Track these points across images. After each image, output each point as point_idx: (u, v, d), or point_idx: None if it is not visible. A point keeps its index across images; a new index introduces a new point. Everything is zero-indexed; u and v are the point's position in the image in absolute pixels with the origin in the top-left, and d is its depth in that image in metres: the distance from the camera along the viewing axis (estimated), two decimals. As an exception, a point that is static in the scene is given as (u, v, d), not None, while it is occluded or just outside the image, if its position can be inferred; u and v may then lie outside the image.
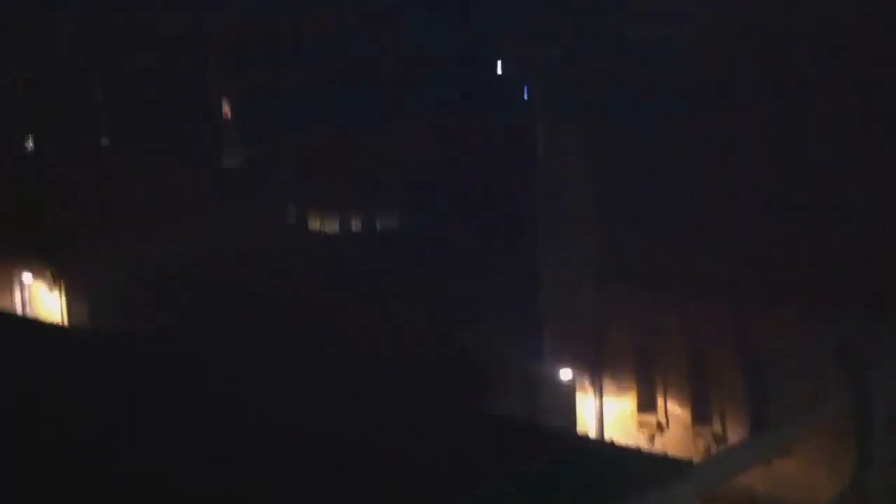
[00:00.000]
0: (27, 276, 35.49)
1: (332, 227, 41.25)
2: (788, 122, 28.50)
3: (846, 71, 27.49)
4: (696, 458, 23.19)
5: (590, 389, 30.26)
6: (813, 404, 24.45)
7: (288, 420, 17.12)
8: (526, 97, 44.18)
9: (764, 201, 28.51)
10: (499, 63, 47.60)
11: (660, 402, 28.89)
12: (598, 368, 30.20)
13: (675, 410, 28.58)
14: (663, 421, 28.60)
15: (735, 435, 26.75)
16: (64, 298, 33.98)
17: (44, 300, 34.88)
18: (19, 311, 35.57)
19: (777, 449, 22.88)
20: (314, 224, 41.25)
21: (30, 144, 40.41)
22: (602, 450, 20.50)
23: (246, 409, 16.88)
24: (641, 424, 28.95)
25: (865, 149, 27.14)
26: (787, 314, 26.95)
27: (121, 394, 16.56)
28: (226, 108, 45.50)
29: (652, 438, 28.47)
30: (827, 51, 27.73)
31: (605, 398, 30.00)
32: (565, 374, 30.60)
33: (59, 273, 34.26)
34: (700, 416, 27.95)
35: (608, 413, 29.89)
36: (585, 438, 25.75)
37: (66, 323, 33.39)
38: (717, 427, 27.42)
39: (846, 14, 27.62)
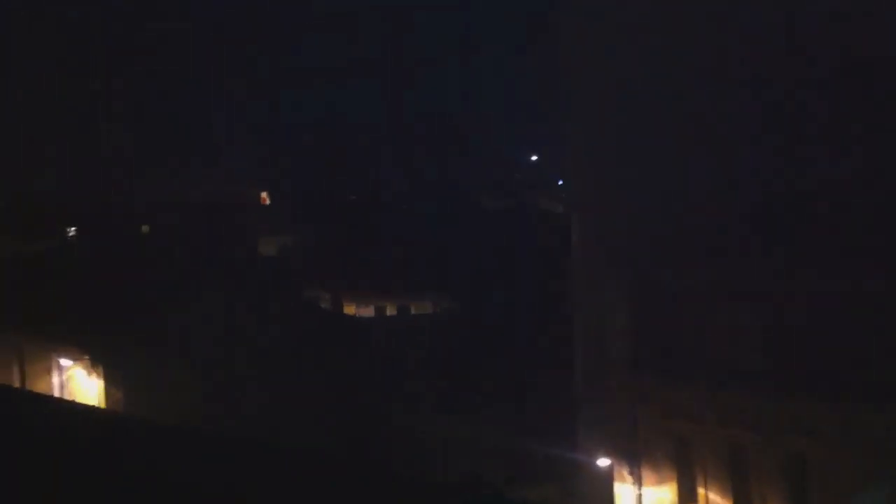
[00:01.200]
0: (65, 361, 35.72)
1: (367, 311, 41.47)
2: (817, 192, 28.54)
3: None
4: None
5: (628, 478, 29.94)
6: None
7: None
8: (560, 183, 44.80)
9: (796, 291, 28.41)
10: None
11: (700, 492, 28.54)
12: (636, 457, 29.92)
13: (716, 500, 28.22)
14: (705, 511, 28.22)
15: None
16: (102, 382, 34.14)
17: (82, 384, 35.05)
18: (56, 393, 35.69)
19: None
20: (349, 309, 41.48)
21: (71, 231, 41.06)
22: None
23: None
24: (682, 514, 28.58)
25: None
26: (826, 403, 26.78)
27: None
28: (263, 195, 46.18)
29: (693, 529, 28.09)
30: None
31: (644, 487, 29.66)
32: (603, 462, 30.36)
33: (98, 357, 34.46)
34: (742, 505, 27.59)
35: (647, 502, 29.53)
36: None
37: (102, 406, 33.49)
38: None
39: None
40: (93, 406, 32.00)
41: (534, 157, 47.13)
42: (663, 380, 29.70)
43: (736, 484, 28.28)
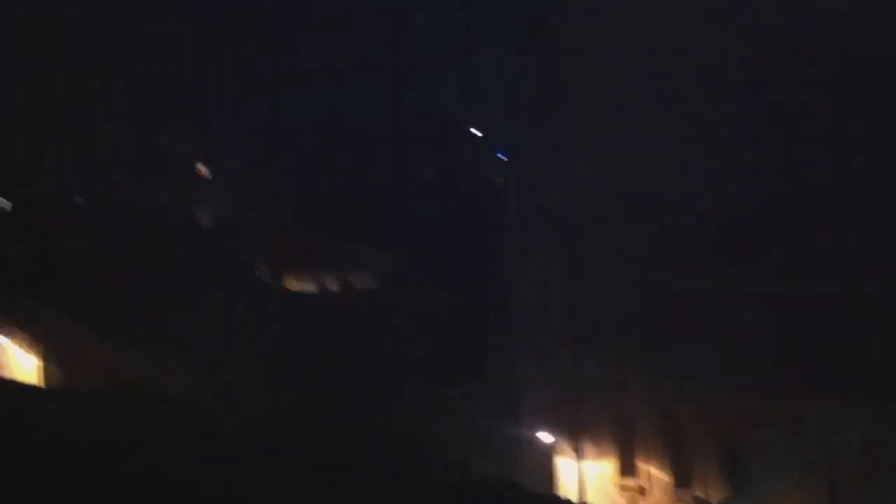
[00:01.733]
0: (2, 338, 35.10)
1: (309, 287, 41.22)
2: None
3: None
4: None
5: (570, 452, 30.29)
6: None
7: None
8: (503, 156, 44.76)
9: (743, 269, 28.80)
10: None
11: (641, 465, 28.97)
12: (578, 431, 30.26)
13: (656, 474, 28.66)
14: (645, 485, 28.65)
15: (717, 499, 26.89)
16: (40, 361, 33.63)
17: (20, 362, 34.49)
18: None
19: None
20: (290, 284, 41.20)
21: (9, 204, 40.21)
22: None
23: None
24: (622, 488, 28.98)
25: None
26: (767, 384, 27.25)
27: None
28: (201, 167, 45.58)
29: (633, 502, 28.51)
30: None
31: (585, 461, 30.02)
32: (545, 436, 30.64)
33: (36, 335, 33.91)
34: (682, 481, 28.03)
35: (588, 476, 29.90)
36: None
37: (40, 384, 33.03)
38: (698, 491, 27.51)
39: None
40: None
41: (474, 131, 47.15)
42: (609, 355, 29.99)
43: (675, 459, 28.71)
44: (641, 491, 28.65)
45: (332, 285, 41.28)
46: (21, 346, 34.38)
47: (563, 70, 32.07)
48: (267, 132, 46.71)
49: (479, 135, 46.08)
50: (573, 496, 29.55)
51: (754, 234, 28.94)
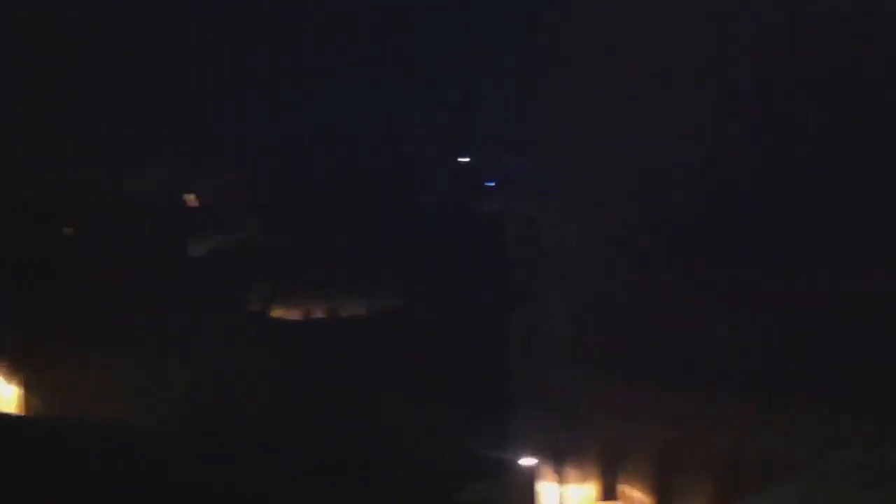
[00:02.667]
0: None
1: (295, 314, 41.18)
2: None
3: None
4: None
5: (552, 476, 29.97)
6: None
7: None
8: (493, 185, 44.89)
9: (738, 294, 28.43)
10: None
11: (622, 489, 28.63)
12: (561, 455, 29.96)
13: (637, 497, 28.32)
14: (625, 508, 28.33)
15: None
16: (21, 390, 33.64)
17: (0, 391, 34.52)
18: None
19: None
20: (277, 312, 41.17)
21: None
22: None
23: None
24: (603, 512, 28.68)
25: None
26: (755, 405, 26.96)
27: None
28: (192, 197, 45.67)
29: (613, 526, 28.19)
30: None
31: (566, 485, 29.69)
32: (527, 461, 30.37)
33: (17, 365, 33.97)
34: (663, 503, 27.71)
35: (569, 500, 29.57)
36: None
37: (21, 413, 33.01)
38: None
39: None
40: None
41: (465, 160, 47.18)
42: (596, 379, 29.72)
43: (659, 481, 28.37)
44: (621, 514, 28.33)
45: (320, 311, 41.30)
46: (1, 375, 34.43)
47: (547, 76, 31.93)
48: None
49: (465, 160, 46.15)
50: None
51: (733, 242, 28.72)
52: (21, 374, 33.78)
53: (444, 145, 47.58)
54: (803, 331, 26.96)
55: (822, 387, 25.91)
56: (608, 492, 29.04)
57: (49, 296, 35.45)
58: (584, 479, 29.50)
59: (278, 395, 35.39)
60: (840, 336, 26.44)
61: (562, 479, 29.80)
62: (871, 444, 24.70)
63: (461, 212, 45.35)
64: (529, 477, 30.14)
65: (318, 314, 41.03)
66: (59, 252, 38.64)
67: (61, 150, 40.76)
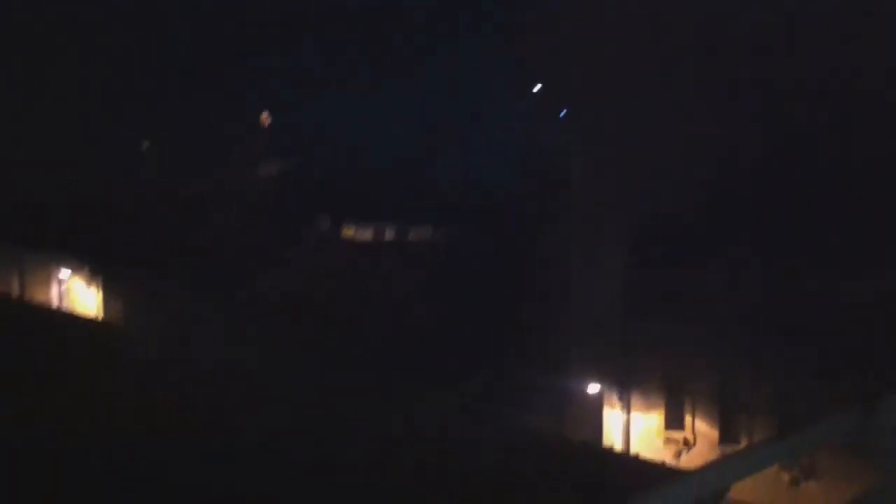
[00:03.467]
0: (65, 272, 36.05)
1: (365, 236, 41.58)
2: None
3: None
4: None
5: (617, 404, 30.36)
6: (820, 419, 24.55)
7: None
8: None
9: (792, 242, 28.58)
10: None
11: (687, 419, 28.98)
12: (626, 384, 30.32)
13: (702, 428, 28.68)
14: (690, 438, 28.66)
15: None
16: (101, 295, 34.48)
17: (80, 295, 35.41)
18: (55, 305, 36.08)
19: (777, 458, 22.92)
20: (347, 232, 41.60)
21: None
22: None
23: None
24: (668, 441, 29.02)
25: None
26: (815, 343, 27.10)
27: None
28: (264, 116, 46.00)
29: (678, 455, 28.55)
30: None
31: (632, 413, 30.08)
32: (593, 388, 30.75)
33: (98, 270, 34.76)
34: (727, 435, 28.02)
35: (635, 428, 29.97)
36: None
37: (101, 318, 33.88)
38: (743, 446, 27.44)
39: None
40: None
41: (537, 87, 46.71)
42: (660, 311, 29.98)
43: (723, 415, 28.69)
44: (686, 444, 28.66)
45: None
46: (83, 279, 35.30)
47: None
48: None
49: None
50: (620, 447, 29.66)
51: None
52: (101, 278, 34.62)
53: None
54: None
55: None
56: (673, 421, 29.38)
57: (130, 206, 36.17)
58: (649, 409, 29.87)
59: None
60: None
61: (627, 408, 30.19)
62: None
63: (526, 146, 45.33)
64: (597, 404, 30.52)
65: (388, 236, 41.46)
66: (136, 165, 39.36)
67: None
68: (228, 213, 38.58)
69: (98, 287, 34.68)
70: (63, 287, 35.94)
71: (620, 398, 30.21)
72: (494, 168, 45.07)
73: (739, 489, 23.46)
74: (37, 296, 35.62)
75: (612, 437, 30.15)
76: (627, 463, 21.18)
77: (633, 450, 29.30)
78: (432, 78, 49.69)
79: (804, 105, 28.92)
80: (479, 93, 49.78)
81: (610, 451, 27.45)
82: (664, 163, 31.01)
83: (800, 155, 29.21)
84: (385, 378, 32.61)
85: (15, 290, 35.46)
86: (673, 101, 30.58)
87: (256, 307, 34.35)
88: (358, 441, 16.83)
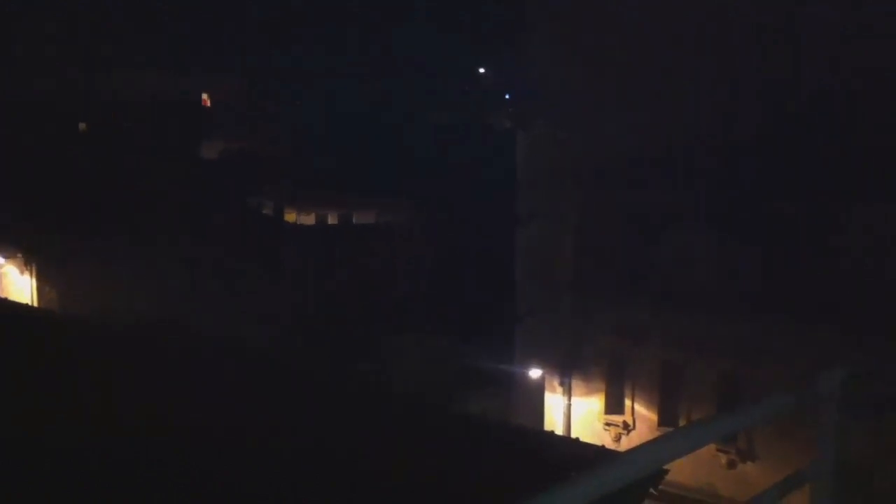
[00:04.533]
0: (-1, 258, 35.35)
1: (308, 220, 41.23)
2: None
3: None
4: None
5: (558, 389, 30.33)
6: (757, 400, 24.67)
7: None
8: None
9: (745, 209, 28.61)
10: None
11: (627, 403, 28.99)
12: (567, 369, 30.29)
13: (642, 412, 28.70)
14: (630, 421, 28.70)
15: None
16: (34, 281, 33.81)
17: (14, 282, 34.71)
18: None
19: (711, 437, 22.96)
20: (290, 216, 41.21)
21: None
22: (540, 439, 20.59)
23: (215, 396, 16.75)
24: (608, 424, 29.05)
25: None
26: (756, 324, 27.12)
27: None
28: (205, 97, 45.37)
29: (618, 438, 28.57)
30: None
31: (573, 398, 30.07)
32: (534, 372, 30.71)
33: (31, 256, 34.09)
34: (666, 418, 28.07)
35: (576, 413, 29.97)
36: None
37: (35, 305, 33.22)
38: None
39: None
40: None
41: (481, 70, 46.52)
42: (599, 295, 29.92)
43: (664, 398, 28.72)
44: (626, 427, 28.69)
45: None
46: (17, 266, 34.58)
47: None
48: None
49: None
50: (560, 431, 29.62)
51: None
52: (35, 264, 33.95)
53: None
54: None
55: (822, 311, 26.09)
56: (614, 406, 29.39)
57: (62, 191, 35.46)
58: (590, 393, 29.86)
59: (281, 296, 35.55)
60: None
61: (568, 392, 30.16)
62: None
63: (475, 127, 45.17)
64: (538, 389, 30.48)
65: (331, 220, 41.12)
66: (72, 148, 38.55)
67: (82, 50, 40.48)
68: (167, 195, 37.97)
69: (32, 273, 34.05)
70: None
71: (561, 383, 30.17)
72: (440, 150, 44.89)
73: (679, 472, 23.60)
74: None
75: (553, 421, 30.13)
76: (563, 444, 21.02)
77: (574, 434, 29.26)
78: (382, 57, 49.25)
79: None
80: (429, 73, 49.47)
81: (546, 432, 27.38)
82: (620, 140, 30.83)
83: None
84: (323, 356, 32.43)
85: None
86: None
87: (201, 289, 33.95)
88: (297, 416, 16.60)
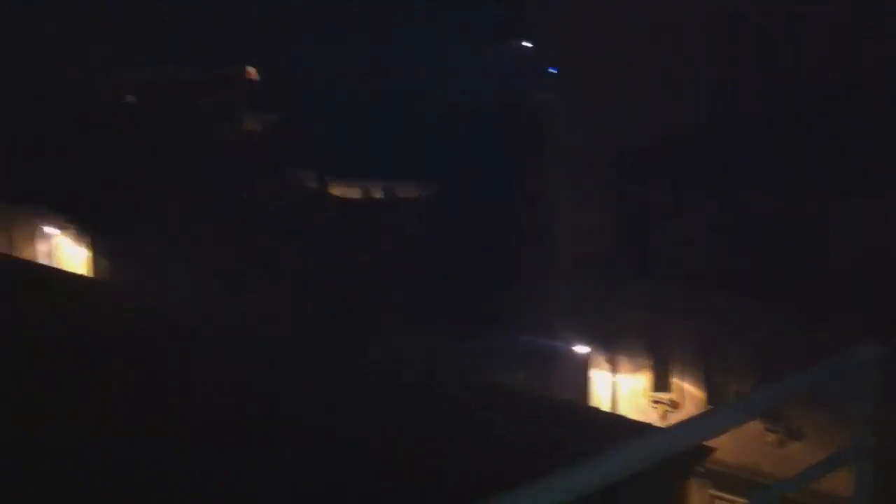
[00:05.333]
0: (52, 228, 35.96)
1: (354, 193, 41.65)
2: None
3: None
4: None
5: (604, 365, 30.73)
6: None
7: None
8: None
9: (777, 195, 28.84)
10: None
11: (674, 380, 29.39)
12: (613, 346, 30.64)
13: (689, 389, 29.10)
14: (677, 399, 29.11)
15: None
16: (90, 252, 34.44)
17: (69, 253, 35.37)
18: (42, 261, 36.02)
19: (751, 413, 23.33)
20: (333, 190, 41.64)
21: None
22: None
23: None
24: (655, 402, 29.47)
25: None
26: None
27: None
28: (250, 70, 45.74)
29: (665, 415, 28.99)
30: None
31: (619, 375, 30.48)
32: (579, 349, 31.09)
33: (86, 227, 34.69)
34: (714, 396, 28.45)
35: (622, 390, 30.39)
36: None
37: (90, 276, 33.87)
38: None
39: None
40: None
41: (526, 43, 46.63)
42: (646, 272, 30.22)
43: (708, 376, 29.09)
44: (673, 405, 29.11)
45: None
46: (71, 237, 35.23)
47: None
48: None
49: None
50: (606, 408, 30.06)
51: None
52: (89, 236, 34.56)
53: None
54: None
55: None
56: (660, 382, 29.79)
57: (114, 165, 36.01)
58: (636, 370, 30.24)
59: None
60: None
61: (614, 369, 30.56)
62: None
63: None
64: (582, 365, 30.88)
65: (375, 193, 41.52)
66: (122, 123, 39.10)
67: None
68: (215, 168, 38.48)
69: (87, 245, 34.66)
70: (52, 244, 35.88)
71: (607, 360, 30.58)
72: (478, 122, 45.06)
73: (726, 452, 23.93)
74: (23, 253, 35.56)
75: (598, 397, 30.56)
76: (603, 418, 21.44)
77: (621, 411, 29.70)
78: (418, 30, 49.45)
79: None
80: (464, 46, 49.65)
81: (586, 407, 27.82)
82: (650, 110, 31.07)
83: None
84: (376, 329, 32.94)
85: (2, 247, 35.39)
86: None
87: (251, 262, 34.49)
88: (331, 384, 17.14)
